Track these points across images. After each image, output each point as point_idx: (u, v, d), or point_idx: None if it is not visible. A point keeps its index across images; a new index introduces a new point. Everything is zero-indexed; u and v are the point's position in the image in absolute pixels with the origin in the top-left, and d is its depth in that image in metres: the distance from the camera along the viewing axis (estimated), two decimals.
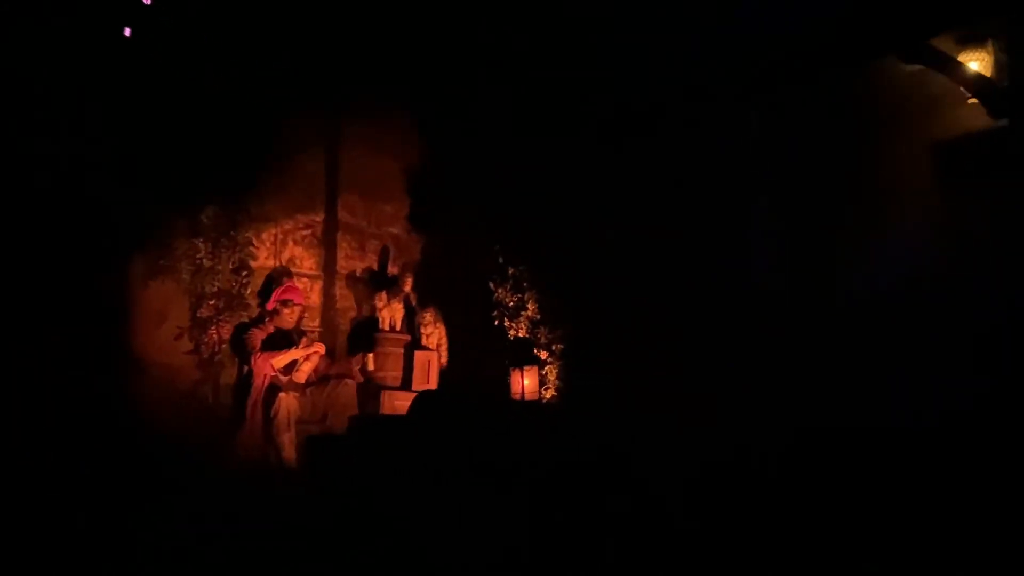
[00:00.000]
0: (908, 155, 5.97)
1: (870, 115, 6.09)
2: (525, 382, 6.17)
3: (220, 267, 7.12)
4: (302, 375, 6.91)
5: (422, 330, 7.52)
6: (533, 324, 6.70)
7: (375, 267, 8.18)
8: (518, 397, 6.15)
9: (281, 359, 6.81)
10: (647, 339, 6.01)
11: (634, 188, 6.30)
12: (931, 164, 5.90)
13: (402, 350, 7.55)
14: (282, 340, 6.99)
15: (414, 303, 7.80)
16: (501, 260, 6.97)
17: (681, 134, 6.25)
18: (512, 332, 6.81)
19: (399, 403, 7.16)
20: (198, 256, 7.03)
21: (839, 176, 6.07)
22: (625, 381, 5.86)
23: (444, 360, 7.56)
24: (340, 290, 7.90)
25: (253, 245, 7.31)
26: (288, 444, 6.59)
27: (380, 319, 7.62)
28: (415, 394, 7.17)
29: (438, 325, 7.56)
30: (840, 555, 4.71)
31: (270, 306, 7.12)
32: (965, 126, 5.75)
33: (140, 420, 6.58)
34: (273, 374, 6.86)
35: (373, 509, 4.65)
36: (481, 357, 7.28)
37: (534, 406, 6.12)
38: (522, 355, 6.55)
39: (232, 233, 7.18)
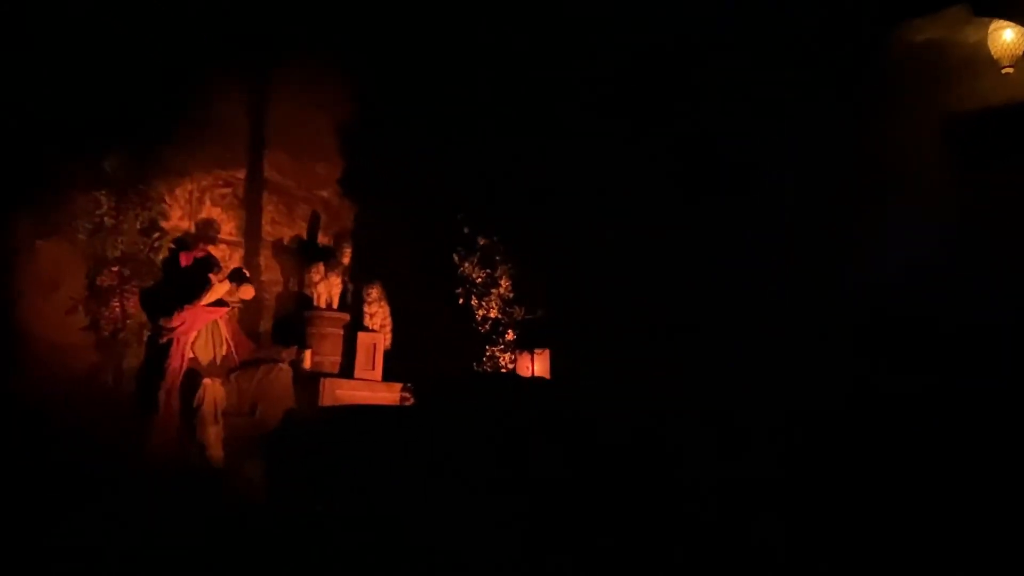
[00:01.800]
0: (918, 131, 5.62)
1: (878, 90, 5.70)
2: (536, 367, 5.36)
3: (126, 226, 5.90)
4: (249, 288, 5.89)
5: (365, 308, 6.55)
6: (506, 303, 5.90)
7: (304, 235, 7.12)
8: None
9: (207, 297, 5.79)
10: (640, 321, 5.37)
11: (625, 153, 5.62)
12: (942, 140, 5.59)
13: (341, 331, 6.58)
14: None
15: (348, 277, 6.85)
16: (467, 230, 6.13)
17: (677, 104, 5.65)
18: (481, 311, 5.99)
19: (342, 393, 6.20)
20: (98, 212, 5.79)
21: (846, 157, 5.64)
22: (619, 366, 5.18)
23: (388, 343, 6.63)
24: (265, 260, 6.79)
25: (165, 202, 6.11)
26: (214, 439, 5.51)
27: (315, 295, 6.61)
28: (361, 383, 6.28)
29: (383, 304, 6.61)
30: None
31: (183, 279, 5.98)
32: (986, 100, 5.45)
33: (22, 410, 5.33)
34: (192, 356, 5.74)
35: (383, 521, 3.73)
36: (439, 339, 6.40)
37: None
38: (530, 337, 5.68)
39: (141, 186, 5.97)
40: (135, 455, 5.44)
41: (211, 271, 5.95)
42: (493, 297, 5.88)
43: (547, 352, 5.33)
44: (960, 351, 5.02)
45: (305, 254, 7.01)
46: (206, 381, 5.54)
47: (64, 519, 4.62)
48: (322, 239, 7.20)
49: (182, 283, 5.95)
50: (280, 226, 6.94)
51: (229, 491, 5.41)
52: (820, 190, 5.61)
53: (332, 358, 6.48)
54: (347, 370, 6.44)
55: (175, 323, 5.64)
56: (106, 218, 5.82)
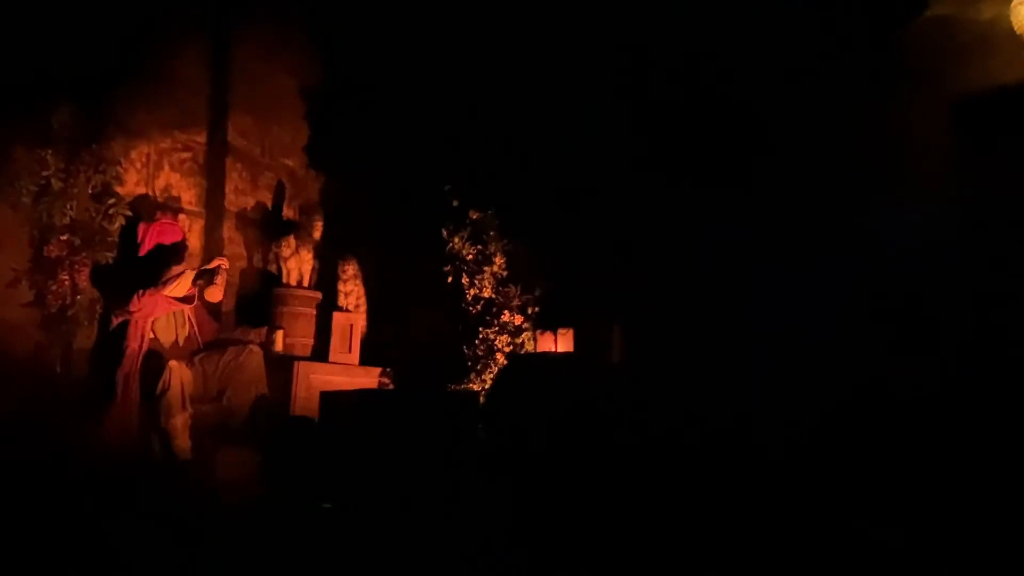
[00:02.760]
0: (926, 112, 5.45)
1: (888, 70, 5.51)
2: (559, 347, 4.94)
3: (76, 190, 5.25)
4: (218, 290, 5.30)
5: (340, 287, 6.05)
6: (500, 282, 5.49)
7: (269, 206, 6.56)
8: None
9: (175, 285, 5.14)
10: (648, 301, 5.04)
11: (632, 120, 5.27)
12: (951, 121, 5.44)
13: (314, 311, 6.06)
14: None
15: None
16: (456, 203, 5.68)
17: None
18: (472, 291, 5.56)
19: (318, 378, 5.70)
20: (45, 173, 5.13)
21: (853, 139, 5.42)
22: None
23: (363, 324, 6.15)
24: (228, 232, 6.20)
25: (120, 165, 5.48)
26: (181, 428, 4.94)
27: (284, 272, 6.06)
28: (337, 367, 5.80)
29: (358, 282, 6.12)
30: None
31: (145, 251, 5.38)
32: (998, 79, 5.31)
33: None
34: (152, 337, 5.16)
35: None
36: (422, 320, 5.94)
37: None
38: (550, 319, 5.24)
39: (94, 146, 5.31)
40: (88, 449, 4.85)
41: (176, 249, 5.37)
42: (486, 275, 5.47)
43: (571, 332, 4.94)
44: (966, 339, 4.88)
45: (270, 227, 6.45)
46: (172, 363, 4.96)
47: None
48: (287, 211, 6.66)
49: (141, 258, 5.35)
50: (244, 196, 6.36)
51: (199, 486, 4.88)
52: (829, 175, 5.39)
53: (304, 340, 5.96)
54: (321, 353, 5.93)
55: (133, 308, 5.04)
56: (53, 180, 5.16)
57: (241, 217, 6.29)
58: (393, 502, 3.47)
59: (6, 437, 4.65)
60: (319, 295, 6.08)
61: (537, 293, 5.42)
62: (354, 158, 6.66)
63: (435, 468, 3.42)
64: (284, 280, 6.02)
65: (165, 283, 5.13)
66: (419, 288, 6.07)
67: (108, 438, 4.94)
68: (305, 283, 6.09)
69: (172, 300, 5.14)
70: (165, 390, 4.90)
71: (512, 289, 5.40)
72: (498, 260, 5.47)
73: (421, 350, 5.94)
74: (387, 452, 3.56)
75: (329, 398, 4.41)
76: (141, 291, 5.04)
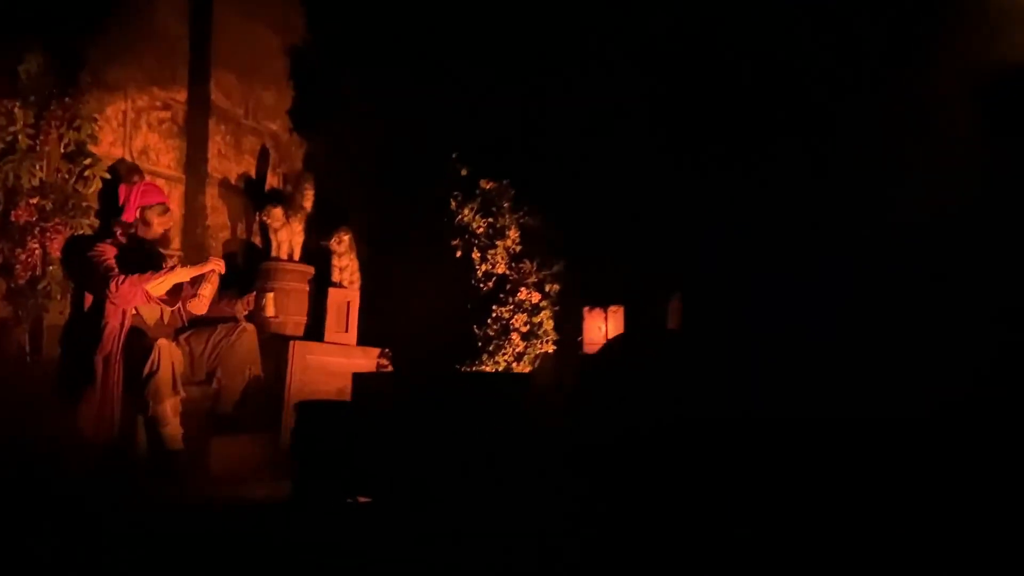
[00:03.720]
0: (945, 91, 5.24)
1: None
2: (609, 327, 4.57)
3: (47, 149, 4.71)
4: (203, 302, 4.77)
5: (334, 261, 5.59)
6: (514, 257, 5.12)
7: (253, 173, 6.05)
8: (594, 348, 4.54)
9: (159, 281, 4.61)
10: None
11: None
12: (971, 102, 5.23)
13: (306, 287, 5.59)
14: (143, 259, 4.77)
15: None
16: (465, 172, 5.27)
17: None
18: (484, 267, 5.17)
19: (314, 359, 5.27)
20: (12, 129, 4.57)
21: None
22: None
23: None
24: (211, 200, 5.68)
25: (96, 122, 4.93)
26: (171, 415, 4.45)
27: (275, 244, 5.58)
28: (334, 347, 5.37)
29: (353, 256, 5.67)
30: None
31: (131, 215, 4.84)
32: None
33: None
34: (135, 313, 4.66)
35: None
36: (423, 298, 5.53)
37: None
38: (600, 294, 4.83)
39: (66, 99, 4.76)
40: (63, 438, 4.35)
41: (158, 214, 4.86)
42: (499, 250, 5.09)
43: (621, 310, 4.58)
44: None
45: (254, 196, 5.96)
46: (161, 342, 4.46)
47: None
48: (271, 179, 6.16)
49: (123, 228, 4.82)
50: (228, 161, 5.84)
51: (191, 478, 4.42)
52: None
53: (297, 318, 5.49)
54: (314, 332, 5.48)
55: (109, 294, 4.51)
56: (20, 137, 4.60)
57: (225, 184, 5.78)
58: (443, 496, 3.10)
59: None
60: (312, 270, 5.62)
61: (555, 269, 5.07)
62: (343, 123, 6.18)
63: (491, 461, 3.04)
64: (274, 253, 5.55)
65: (150, 276, 4.60)
66: (418, 263, 5.67)
67: (86, 425, 4.44)
68: (296, 256, 5.62)
69: (152, 297, 4.62)
70: (153, 372, 4.40)
71: (528, 265, 5.05)
72: (512, 234, 5.10)
73: (421, 329, 5.54)
74: (436, 441, 3.17)
75: (364, 380, 4.00)
76: (121, 277, 4.51)
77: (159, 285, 4.61)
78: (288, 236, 5.55)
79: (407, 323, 5.59)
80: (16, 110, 4.58)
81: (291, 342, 5.20)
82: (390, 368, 5.52)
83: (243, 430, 4.85)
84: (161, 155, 5.44)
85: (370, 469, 3.35)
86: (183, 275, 4.72)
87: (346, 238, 5.57)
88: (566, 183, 5.02)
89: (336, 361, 5.35)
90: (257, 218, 5.86)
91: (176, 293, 4.78)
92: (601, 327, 4.59)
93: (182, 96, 5.61)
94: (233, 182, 5.85)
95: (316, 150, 6.42)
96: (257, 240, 5.95)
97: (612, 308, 4.62)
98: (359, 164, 5.97)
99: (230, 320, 4.99)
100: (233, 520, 3.67)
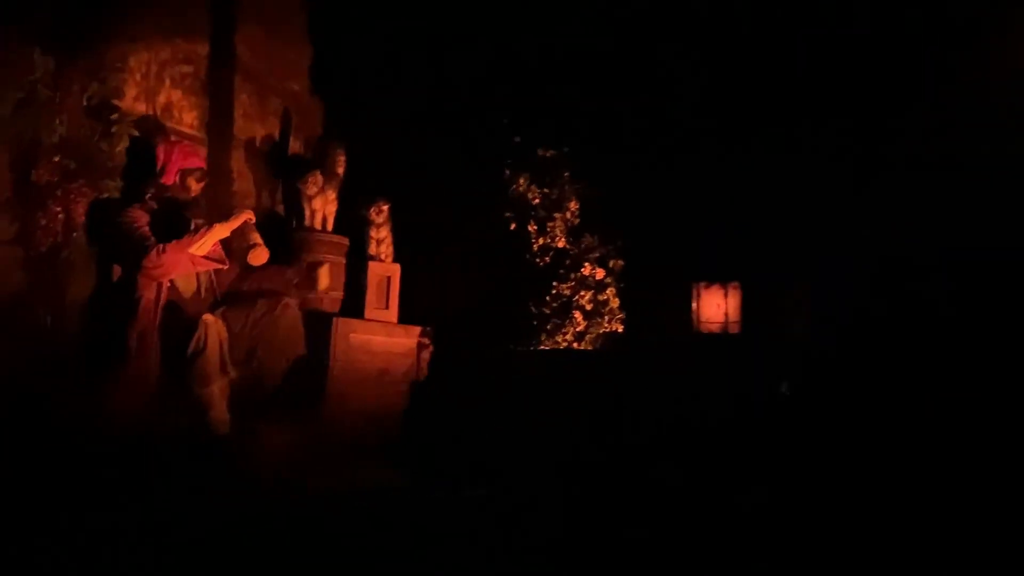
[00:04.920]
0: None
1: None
2: (729, 305, 4.23)
3: (69, 101, 4.21)
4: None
5: (372, 233, 5.19)
6: (573, 231, 4.79)
7: (276, 136, 5.58)
8: (714, 328, 4.19)
9: (201, 243, 4.17)
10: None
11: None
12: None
13: (343, 260, 5.19)
14: (170, 226, 4.30)
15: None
16: (518, 139, 4.91)
17: None
18: (541, 240, 4.83)
19: (357, 338, 4.89)
20: (31, 78, 4.06)
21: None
22: None
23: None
24: (236, 164, 5.20)
25: (122, 71, 4.43)
26: (218, 398, 4.03)
27: (308, 213, 5.16)
28: (375, 324, 4.99)
29: (389, 227, 5.28)
30: None
31: (170, 177, 4.36)
32: None
33: None
34: (169, 285, 4.19)
35: None
36: (462, 272, 5.17)
37: None
38: (671, 272, 4.53)
39: (89, 49, 4.27)
40: (94, 423, 3.90)
41: (197, 179, 4.40)
42: (557, 223, 4.76)
43: (738, 287, 4.26)
44: None
45: (278, 162, 5.50)
46: (207, 318, 4.03)
47: None
48: (293, 144, 5.71)
49: (157, 191, 4.34)
50: (252, 122, 5.35)
51: (242, 466, 4.00)
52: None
53: (333, 293, 5.09)
54: (351, 309, 5.09)
55: (149, 264, 4.04)
56: (41, 87, 4.10)
57: (250, 147, 5.30)
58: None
59: None
60: (347, 241, 5.21)
61: (619, 244, 4.76)
62: (370, 84, 5.75)
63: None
64: (307, 222, 5.12)
65: (190, 240, 4.16)
66: (457, 235, 5.30)
67: (119, 408, 3.99)
68: (329, 227, 5.21)
69: (201, 259, 4.18)
70: (199, 350, 3.97)
71: (590, 239, 4.73)
72: (572, 205, 4.77)
73: (462, 307, 5.19)
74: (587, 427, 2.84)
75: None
76: (162, 245, 4.05)
77: (201, 245, 4.17)
78: (323, 205, 5.14)
79: (446, 300, 5.23)
80: (36, 56, 4.07)
81: (334, 319, 4.80)
82: (431, 348, 5.16)
83: (285, 414, 4.44)
84: (184, 113, 4.94)
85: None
86: (222, 231, 4.27)
87: (385, 208, 5.18)
88: (633, 152, 4.70)
89: (378, 340, 4.99)
90: (280, 185, 5.42)
91: (222, 261, 4.34)
92: (720, 304, 4.27)
93: (204, 49, 5.10)
94: (258, 145, 5.38)
95: (339, 112, 5.97)
96: (280, 209, 5.50)
97: (732, 285, 4.31)
98: (389, 129, 5.55)
99: (270, 295, 4.55)
100: (297, 510, 3.29)
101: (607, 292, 4.69)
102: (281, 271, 4.69)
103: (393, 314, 5.14)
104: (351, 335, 4.84)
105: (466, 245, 5.14)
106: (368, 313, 5.04)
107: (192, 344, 3.98)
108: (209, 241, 4.22)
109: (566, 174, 4.81)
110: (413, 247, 5.28)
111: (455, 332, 5.06)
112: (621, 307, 4.74)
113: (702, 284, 4.46)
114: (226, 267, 4.36)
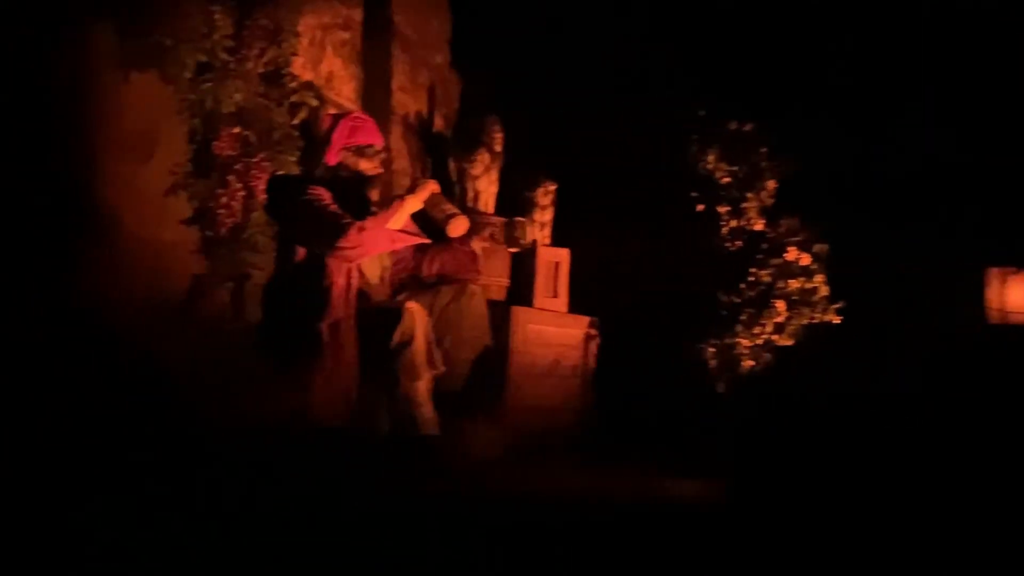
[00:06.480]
0: None
1: None
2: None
3: (248, 66, 3.82)
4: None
5: (536, 216, 4.83)
6: (768, 213, 4.43)
7: (424, 112, 5.20)
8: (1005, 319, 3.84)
9: (395, 216, 3.81)
10: None
11: None
12: None
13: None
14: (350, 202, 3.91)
15: None
16: (703, 112, 4.55)
17: None
18: (729, 223, 4.48)
19: (533, 328, 4.53)
20: (212, 40, 3.67)
21: None
22: None
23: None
24: (395, 142, 4.83)
25: (298, 35, 4.05)
26: (425, 394, 3.67)
27: (471, 193, 4.79)
28: (547, 314, 4.64)
29: (553, 210, 4.91)
30: None
31: (334, 157, 3.98)
32: None
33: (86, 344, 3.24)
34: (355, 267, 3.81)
35: None
36: (629, 256, 4.82)
37: None
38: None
39: (266, 9, 3.88)
40: (288, 422, 3.53)
41: (370, 156, 4.01)
42: (751, 204, 4.40)
43: None
44: None
45: (428, 138, 5.13)
46: (411, 306, 3.67)
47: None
48: (438, 122, 5.33)
49: (326, 168, 3.96)
50: (406, 95, 4.97)
51: (454, 469, 3.63)
52: None
53: (499, 280, 4.72)
54: (518, 297, 4.73)
55: (346, 244, 3.66)
56: (219, 51, 3.71)
57: (405, 123, 4.93)
58: None
59: (164, 403, 3.32)
60: None
61: (823, 226, 4.40)
62: (517, 54, 5.38)
63: None
64: (470, 204, 4.75)
65: (385, 216, 3.80)
66: (624, 217, 4.94)
67: (316, 406, 3.63)
68: (490, 209, 4.85)
69: (401, 235, 3.81)
70: (406, 342, 3.61)
71: (792, 221, 4.37)
72: (770, 184, 4.41)
73: (632, 295, 4.85)
74: None
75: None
76: (360, 223, 3.67)
77: (396, 220, 3.81)
78: (487, 186, 4.77)
79: (611, 287, 4.88)
80: (217, 16, 3.68)
81: (512, 308, 4.45)
82: (598, 339, 4.80)
83: (474, 410, 4.10)
84: (343, 84, 4.58)
85: None
86: (414, 204, 3.89)
87: (553, 189, 4.81)
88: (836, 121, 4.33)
89: (551, 330, 4.64)
90: (430, 162, 5.05)
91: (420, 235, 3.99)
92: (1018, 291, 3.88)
93: (359, 15, 4.73)
94: (411, 120, 5.00)
95: (476, 86, 5.59)
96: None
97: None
98: (541, 102, 5.18)
99: (451, 280, 4.18)
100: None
101: (816, 279, 4.33)
102: (454, 254, 4.31)
103: (562, 302, 4.77)
104: (528, 325, 4.48)
105: (640, 228, 4.77)
106: (537, 302, 4.68)
107: (397, 335, 3.62)
108: (403, 216, 3.86)
109: (763, 150, 4.44)
110: (577, 231, 4.90)
111: (629, 322, 4.68)
112: (831, 296, 4.37)
113: (993, 270, 4.07)
114: (428, 241, 3.99)
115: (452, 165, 4.82)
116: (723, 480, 3.22)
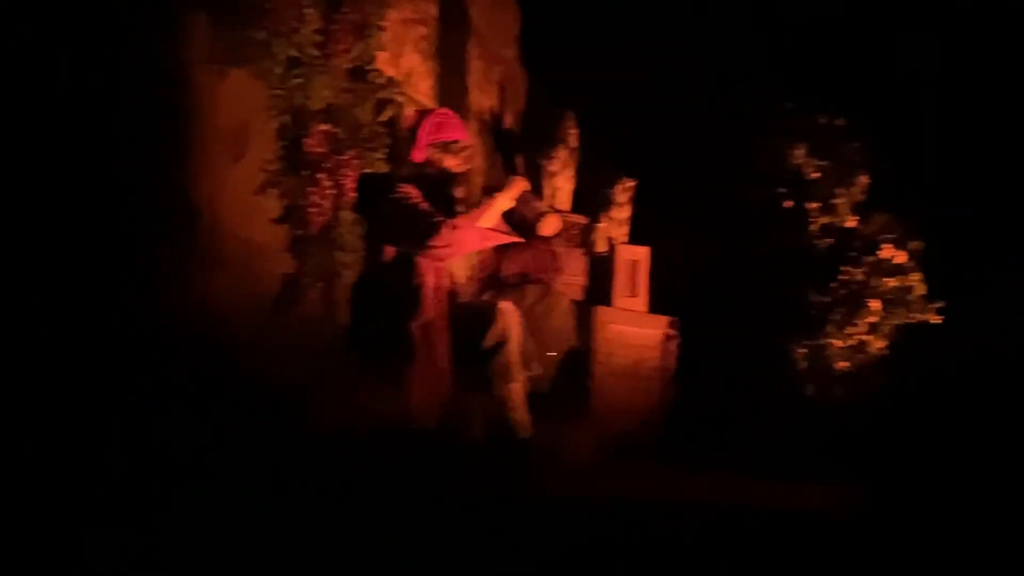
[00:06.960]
0: None
1: None
2: None
3: (336, 61, 3.75)
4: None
5: (613, 213, 4.73)
6: (860, 209, 4.32)
7: (496, 108, 5.11)
8: None
9: (487, 215, 3.70)
10: None
11: None
12: None
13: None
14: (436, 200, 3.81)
15: None
16: (791, 105, 4.45)
17: None
18: (819, 220, 4.36)
19: (615, 328, 4.44)
20: (302, 33, 3.59)
21: None
22: None
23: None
24: (472, 139, 4.74)
25: (382, 27, 3.96)
26: (519, 397, 3.58)
27: (550, 191, 4.70)
28: (627, 314, 4.54)
29: (631, 208, 4.81)
30: None
31: (420, 154, 3.88)
32: None
33: (190, 346, 3.18)
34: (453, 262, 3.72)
35: None
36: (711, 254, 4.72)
37: None
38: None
39: (354, 3, 3.80)
40: (382, 431, 3.45)
41: (455, 152, 3.91)
42: (842, 200, 4.29)
43: None
44: None
45: (500, 135, 5.04)
46: (504, 307, 3.57)
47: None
48: (507, 118, 5.25)
49: (411, 165, 3.87)
50: (481, 93, 4.89)
51: (549, 473, 3.54)
52: None
53: (576, 279, 4.64)
54: (596, 296, 4.63)
55: (438, 244, 3.56)
56: (308, 46, 3.64)
57: (480, 120, 4.85)
58: None
59: (255, 404, 3.25)
60: (586, 221, 4.76)
61: (917, 223, 4.28)
62: (589, 48, 5.29)
63: None
64: (551, 203, 4.66)
65: (476, 213, 3.71)
66: (708, 215, 4.84)
67: (410, 410, 3.55)
68: (566, 207, 4.76)
69: (492, 233, 3.72)
70: (502, 344, 3.52)
71: (884, 218, 4.25)
72: (862, 180, 4.29)
73: (718, 294, 4.75)
74: None
75: None
76: (453, 222, 3.58)
77: (488, 218, 3.72)
78: (565, 183, 4.68)
79: (698, 287, 4.78)
80: (309, 10, 3.61)
81: (595, 308, 4.35)
82: (678, 340, 4.70)
83: (563, 413, 4.00)
84: (421, 81, 4.50)
85: None
86: (505, 202, 3.77)
87: (631, 186, 4.71)
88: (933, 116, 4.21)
89: (631, 331, 4.53)
90: (501, 159, 4.97)
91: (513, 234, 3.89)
92: None
93: (434, 9, 4.65)
94: (486, 117, 4.92)
95: (541, 84, 5.51)
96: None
97: None
98: (617, 96, 5.08)
99: (536, 281, 4.08)
100: None
101: (912, 277, 4.20)
102: (536, 253, 4.21)
103: (642, 302, 4.67)
104: (610, 325, 4.39)
105: (724, 225, 4.67)
106: (616, 301, 4.58)
107: (492, 335, 3.53)
108: (494, 214, 3.76)
109: (856, 145, 4.32)
110: (654, 228, 4.80)
111: (714, 322, 4.58)
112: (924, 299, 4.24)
113: None
114: (521, 240, 3.90)
115: (519, 161, 4.73)
116: (856, 486, 3.12)
